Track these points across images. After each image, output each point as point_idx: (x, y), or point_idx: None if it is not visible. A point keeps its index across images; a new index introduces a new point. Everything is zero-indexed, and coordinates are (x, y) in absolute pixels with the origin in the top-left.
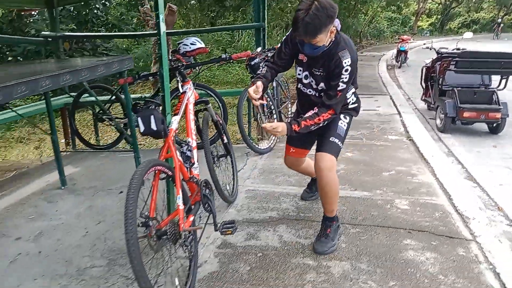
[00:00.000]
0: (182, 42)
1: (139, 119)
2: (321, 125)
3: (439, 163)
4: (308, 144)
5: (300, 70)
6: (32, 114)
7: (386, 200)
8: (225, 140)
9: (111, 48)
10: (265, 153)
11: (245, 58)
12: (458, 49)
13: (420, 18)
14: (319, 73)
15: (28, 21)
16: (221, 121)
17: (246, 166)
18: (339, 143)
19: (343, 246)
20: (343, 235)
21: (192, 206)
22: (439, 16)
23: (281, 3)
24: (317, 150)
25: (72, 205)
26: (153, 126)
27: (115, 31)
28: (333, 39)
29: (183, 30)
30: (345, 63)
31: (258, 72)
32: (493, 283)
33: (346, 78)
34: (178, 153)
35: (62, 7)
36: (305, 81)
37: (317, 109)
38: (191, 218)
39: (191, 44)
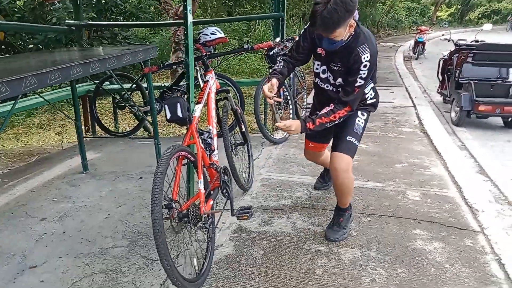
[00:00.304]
0: (202, 32)
1: (166, 106)
2: (336, 122)
3: (452, 157)
4: (327, 138)
5: (318, 65)
6: (55, 100)
7: (398, 191)
8: (243, 129)
9: (129, 37)
10: (280, 143)
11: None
12: (476, 41)
13: (440, 8)
14: (337, 68)
15: (49, 9)
16: (239, 111)
17: (261, 155)
18: (356, 142)
19: (354, 234)
20: (355, 224)
21: (211, 192)
22: (459, 6)
23: None
24: (333, 149)
25: (94, 189)
26: (179, 113)
27: (132, 20)
28: (352, 33)
29: (204, 19)
30: (364, 58)
31: (275, 67)
32: (497, 273)
33: (364, 74)
34: (200, 140)
35: None
36: (322, 76)
37: (333, 106)
38: (211, 202)
39: (211, 34)
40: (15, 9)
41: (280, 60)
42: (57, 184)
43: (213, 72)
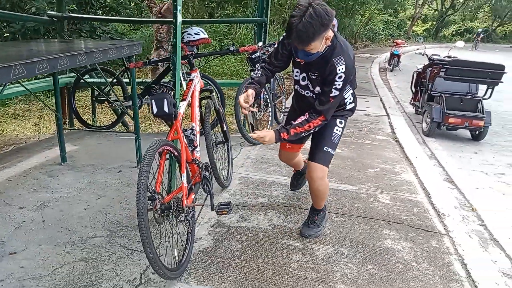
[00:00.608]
0: (186, 32)
1: (153, 102)
2: (311, 131)
3: (421, 164)
4: (304, 138)
5: (297, 72)
6: (35, 90)
7: (370, 194)
8: (224, 128)
9: (109, 32)
10: (258, 144)
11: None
12: (449, 57)
13: (416, 23)
14: (314, 77)
15: None
16: (222, 110)
17: (239, 155)
18: (332, 151)
19: (328, 232)
20: (328, 223)
21: (193, 186)
22: (434, 23)
23: None
24: (310, 158)
25: (73, 180)
26: (166, 108)
27: (112, 14)
28: (329, 44)
29: (190, 19)
30: (339, 70)
31: (253, 75)
32: (460, 272)
33: (339, 85)
34: (183, 136)
35: None
36: (302, 83)
37: (307, 115)
38: (192, 196)
39: (195, 34)
40: None
41: (259, 68)
42: (35, 174)
43: (198, 71)
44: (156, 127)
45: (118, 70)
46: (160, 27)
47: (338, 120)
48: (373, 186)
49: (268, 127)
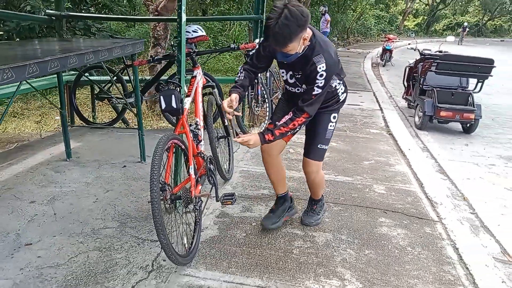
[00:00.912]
0: None
1: (162, 98)
2: (297, 129)
3: (414, 156)
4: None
5: (283, 72)
6: (38, 89)
7: (365, 184)
8: (226, 123)
9: (104, 29)
10: None
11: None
12: (440, 51)
13: (407, 18)
14: (299, 76)
15: None
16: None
17: (239, 149)
18: (326, 147)
19: (327, 220)
20: (327, 212)
21: (199, 178)
22: (425, 17)
23: None
24: (305, 154)
25: (80, 175)
26: (174, 104)
27: (105, 12)
28: (308, 43)
29: (187, 17)
30: (319, 68)
31: (236, 78)
32: (452, 255)
33: (321, 83)
34: (189, 130)
35: None
36: (290, 81)
37: (291, 114)
38: (199, 187)
39: (193, 31)
40: None
41: (241, 70)
42: (42, 170)
43: (200, 68)
44: (155, 124)
45: (115, 68)
46: (157, 24)
47: (332, 115)
48: (368, 177)
49: (266, 122)
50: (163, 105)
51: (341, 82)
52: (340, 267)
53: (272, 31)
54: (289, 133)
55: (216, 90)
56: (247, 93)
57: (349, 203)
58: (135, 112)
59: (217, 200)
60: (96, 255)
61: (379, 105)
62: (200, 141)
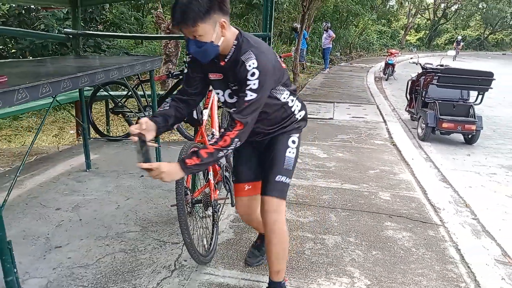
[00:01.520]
0: None
1: None
2: (232, 146)
3: (418, 166)
4: (260, 170)
5: (218, 92)
6: (55, 104)
7: (371, 192)
8: None
9: (113, 47)
10: None
11: None
12: (441, 65)
13: (409, 33)
14: (236, 88)
15: (36, 17)
16: None
17: None
18: (287, 180)
19: (335, 225)
20: (336, 217)
21: (216, 184)
22: (427, 32)
23: (280, 13)
24: (262, 191)
25: (100, 185)
26: (194, 115)
27: (113, 30)
28: (235, 43)
29: None
30: (249, 66)
31: (160, 108)
32: (454, 256)
33: (254, 84)
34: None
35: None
36: (231, 101)
37: (223, 129)
38: (218, 192)
39: None
40: None
41: (167, 101)
42: (64, 180)
43: None
44: (167, 137)
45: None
46: (168, 42)
47: (290, 140)
48: (374, 185)
49: None
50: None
51: (293, 97)
52: (349, 266)
53: (180, 4)
54: (221, 153)
55: None
56: None
57: (356, 209)
58: None
59: (232, 205)
60: (122, 256)
61: (383, 118)
62: None
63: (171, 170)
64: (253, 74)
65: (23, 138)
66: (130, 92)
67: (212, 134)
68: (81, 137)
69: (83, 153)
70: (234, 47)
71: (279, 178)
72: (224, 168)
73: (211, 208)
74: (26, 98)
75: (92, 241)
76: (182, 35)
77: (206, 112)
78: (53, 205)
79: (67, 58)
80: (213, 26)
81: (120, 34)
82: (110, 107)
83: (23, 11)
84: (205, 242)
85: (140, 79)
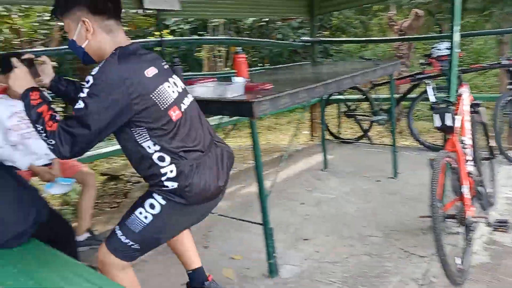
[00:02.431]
0: (434, 47)
1: (437, 115)
2: (52, 140)
3: None
4: None
5: None
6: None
7: None
8: (490, 143)
9: (340, 51)
10: None
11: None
12: None
13: None
14: None
15: (272, 27)
16: (487, 124)
17: (500, 174)
18: (125, 239)
19: None
20: None
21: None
22: None
23: None
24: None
25: (338, 184)
26: (448, 122)
27: (338, 35)
28: (111, 55)
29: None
30: (90, 73)
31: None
32: None
33: (84, 94)
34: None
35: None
36: None
37: (59, 118)
38: (473, 208)
39: (446, 49)
40: (244, 27)
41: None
42: (305, 177)
43: (467, 85)
44: (397, 141)
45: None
46: (401, 44)
47: (148, 202)
48: None
49: None
50: (438, 123)
51: (169, 156)
52: None
53: None
54: (42, 132)
55: (483, 108)
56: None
57: None
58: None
59: (487, 225)
60: (367, 260)
61: None
62: (468, 160)
63: (21, 77)
64: (88, 81)
65: (264, 136)
66: (364, 96)
67: (463, 142)
68: (317, 137)
69: (319, 153)
70: (106, 61)
71: (117, 230)
72: (479, 182)
73: (464, 225)
74: (288, 103)
75: (336, 239)
76: (413, 36)
77: (458, 119)
78: (298, 199)
79: (303, 65)
80: (76, 24)
81: (353, 39)
82: (341, 110)
83: (265, 23)
84: (457, 261)
85: (374, 83)
